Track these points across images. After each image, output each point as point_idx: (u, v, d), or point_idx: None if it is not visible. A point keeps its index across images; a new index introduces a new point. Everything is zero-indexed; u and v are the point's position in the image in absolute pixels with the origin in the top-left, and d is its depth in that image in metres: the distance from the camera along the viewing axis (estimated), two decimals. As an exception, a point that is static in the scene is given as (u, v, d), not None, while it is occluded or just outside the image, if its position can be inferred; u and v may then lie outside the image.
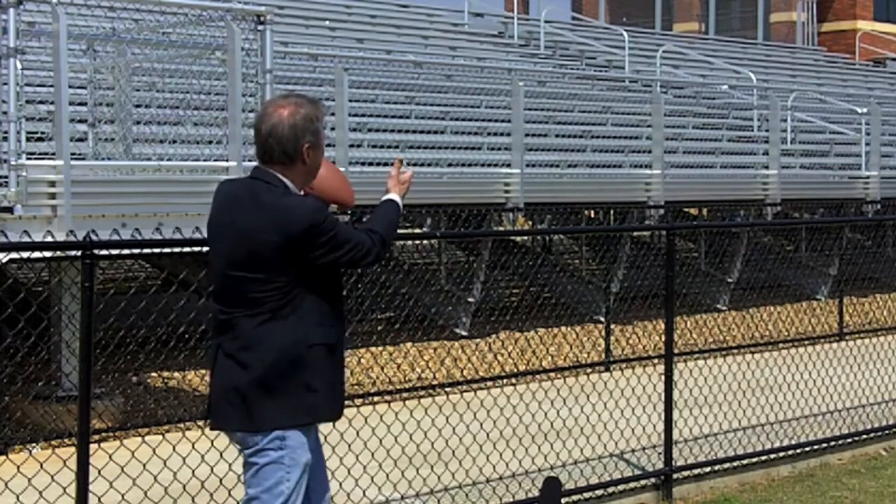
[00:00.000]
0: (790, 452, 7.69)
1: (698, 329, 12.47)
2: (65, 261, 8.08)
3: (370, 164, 12.61)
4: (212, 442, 5.65)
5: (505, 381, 10.39)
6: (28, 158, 7.81)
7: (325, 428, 6.62)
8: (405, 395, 9.57)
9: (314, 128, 4.12)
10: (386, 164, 12.83)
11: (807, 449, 7.79)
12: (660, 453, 7.08)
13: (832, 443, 7.98)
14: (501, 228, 13.85)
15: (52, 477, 5.85)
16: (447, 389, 9.79)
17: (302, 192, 4.20)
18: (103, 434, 7.94)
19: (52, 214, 7.74)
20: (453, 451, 6.91)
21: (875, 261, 15.73)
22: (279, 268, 4.05)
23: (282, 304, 4.08)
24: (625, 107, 17.49)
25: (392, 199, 4.47)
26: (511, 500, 6.53)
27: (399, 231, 4.47)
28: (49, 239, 7.53)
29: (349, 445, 6.74)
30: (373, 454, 6.77)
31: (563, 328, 12.18)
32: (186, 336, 9.05)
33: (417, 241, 15.86)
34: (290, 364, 4.08)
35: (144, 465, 6.07)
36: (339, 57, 15.07)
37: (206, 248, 4.41)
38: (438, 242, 14.78)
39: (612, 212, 15.37)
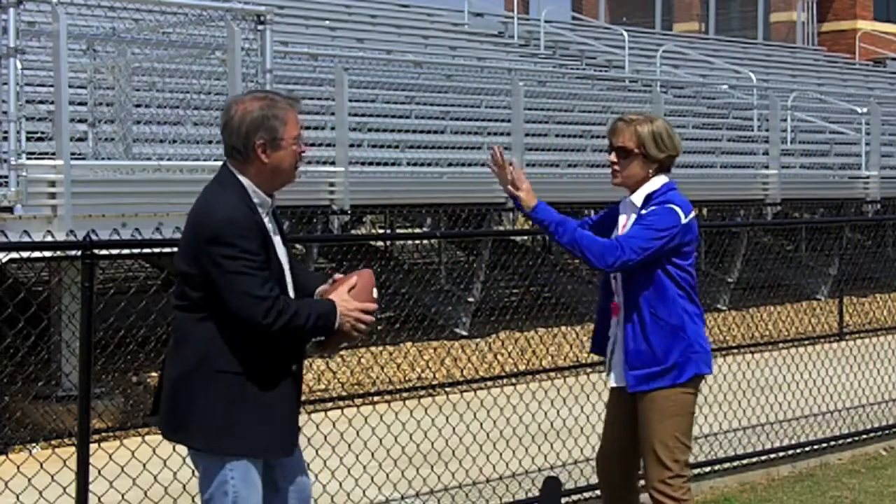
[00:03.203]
0: (790, 452, 7.68)
1: (698, 329, 12.44)
2: (65, 261, 8.09)
3: (370, 164, 12.62)
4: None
5: (505, 381, 10.39)
6: (28, 158, 7.81)
7: (325, 427, 6.65)
8: (405, 395, 9.57)
9: (271, 125, 3.92)
10: (386, 164, 12.85)
11: (807, 449, 7.79)
12: (660, 453, 7.07)
13: (832, 443, 7.97)
14: (501, 228, 13.85)
15: (52, 477, 5.85)
16: (447, 389, 9.79)
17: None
18: (103, 434, 7.94)
19: (52, 214, 7.75)
20: (453, 451, 6.91)
21: (875, 261, 15.73)
22: (189, 262, 3.90)
23: (195, 307, 3.91)
24: (625, 107, 17.46)
25: (335, 308, 3.99)
26: (511, 500, 6.52)
27: (399, 231, 4.35)
28: (49, 239, 7.53)
29: (349, 445, 6.74)
30: (373, 454, 6.77)
31: (563, 328, 12.17)
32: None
33: (417, 241, 15.87)
34: (195, 383, 3.90)
35: (144, 465, 6.07)
36: (339, 57, 15.07)
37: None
38: (438, 242, 14.78)
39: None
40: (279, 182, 4.03)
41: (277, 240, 4.04)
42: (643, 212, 4.90)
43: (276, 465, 4.11)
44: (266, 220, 3.98)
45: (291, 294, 4.05)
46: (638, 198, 4.96)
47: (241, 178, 3.97)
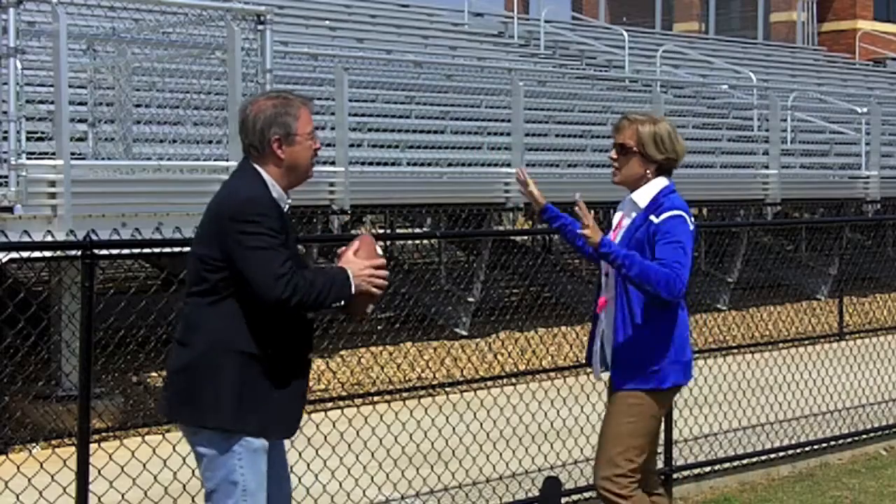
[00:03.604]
0: (790, 452, 7.69)
1: (698, 329, 12.46)
2: (65, 261, 8.08)
3: (370, 163, 12.62)
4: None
5: (505, 381, 10.39)
6: (28, 158, 7.81)
7: (325, 427, 6.65)
8: (405, 395, 9.57)
9: (284, 121, 4.04)
10: (386, 164, 12.86)
11: (807, 449, 7.79)
12: (659, 453, 7.07)
13: (832, 443, 7.97)
14: (501, 228, 13.85)
15: (52, 477, 5.85)
16: (447, 389, 9.79)
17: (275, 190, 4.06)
18: (103, 434, 7.94)
19: (52, 214, 7.74)
20: (453, 451, 6.91)
21: (875, 261, 15.72)
22: (209, 245, 3.99)
23: (213, 291, 3.97)
24: (625, 107, 17.46)
25: (347, 271, 4.10)
26: (511, 500, 6.52)
27: (399, 231, 4.38)
28: (49, 239, 7.53)
29: (349, 445, 6.74)
30: (373, 454, 6.77)
31: (563, 328, 12.18)
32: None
33: (417, 241, 15.87)
34: (208, 364, 3.96)
35: (144, 465, 6.07)
36: (339, 57, 15.07)
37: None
38: (438, 242, 14.78)
39: (612, 211, 15.34)
40: (295, 178, 4.14)
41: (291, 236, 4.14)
42: (653, 218, 4.85)
43: None
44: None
45: None
46: (641, 198, 4.94)
47: (264, 173, 4.07)
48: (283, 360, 4.02)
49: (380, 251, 4.19)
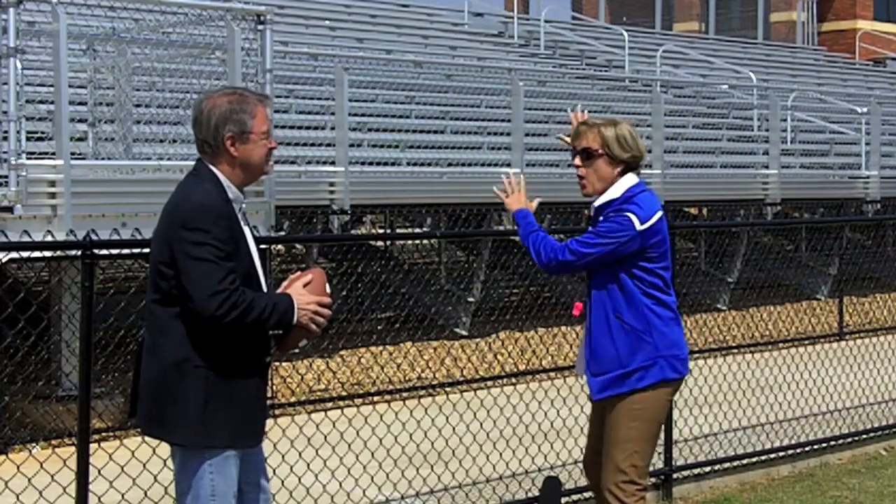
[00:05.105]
0: (790, 452, 7.69)
1: (698, 329, 12.46)
2: (65, 260, 8.09)
3: (370, 164, 12.62)
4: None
5: (505, 381, 10.39)
6: (28, 158, 7.81)
7: (325, 427, 6.65)
8: (405, 395, 9.58)
9: (239, 118, 3.97)
10: (386, 164, 12.86)
11: (807, 449, 7.79)
12: (659, 453, 7.07)
13: (832, 443, 7.97)
14: (501, 228, 13.85)
15: (52, 477, 5.85)
16: (447, 389, 9.80)
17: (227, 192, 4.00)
18: (103, 434, 7.93)
19: (52, 214, 7.75)
20: (453, 451, 6.91)
21: (875, 260, 15.72)
22: (163, 250, 3.95)
23: (168, 301, 3.94)
24: (625, 107, 17.49)
25: (292, 300, 4.03)
26: (511, 499, 6.53)
27: (399, 231, 4.34)
28: (49, 239, 7.53)
29: (349, 445, 6.74)
30: (373, 454, 6.77)
31: (563, 328, 12.18)
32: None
33: (417, 241, 15.87)
34: (173, 379, 3.93)
35: (144, 465, 6.07)
36: (339, 57, 15.07)
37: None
38: (438, 242, 14.78)
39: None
40: (250, 176, 4.08)
41: (247, 230, 4.08)
42: (601, 219, 4.93)
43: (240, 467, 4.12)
44: (238, 214, 4.03)
45: (264, 286, 4.10)
46: (599, 203, 4.98)
47: (217, 172, 4.02)
48: (247, 369, 3.99)
49: (328, 289, 4.14)
